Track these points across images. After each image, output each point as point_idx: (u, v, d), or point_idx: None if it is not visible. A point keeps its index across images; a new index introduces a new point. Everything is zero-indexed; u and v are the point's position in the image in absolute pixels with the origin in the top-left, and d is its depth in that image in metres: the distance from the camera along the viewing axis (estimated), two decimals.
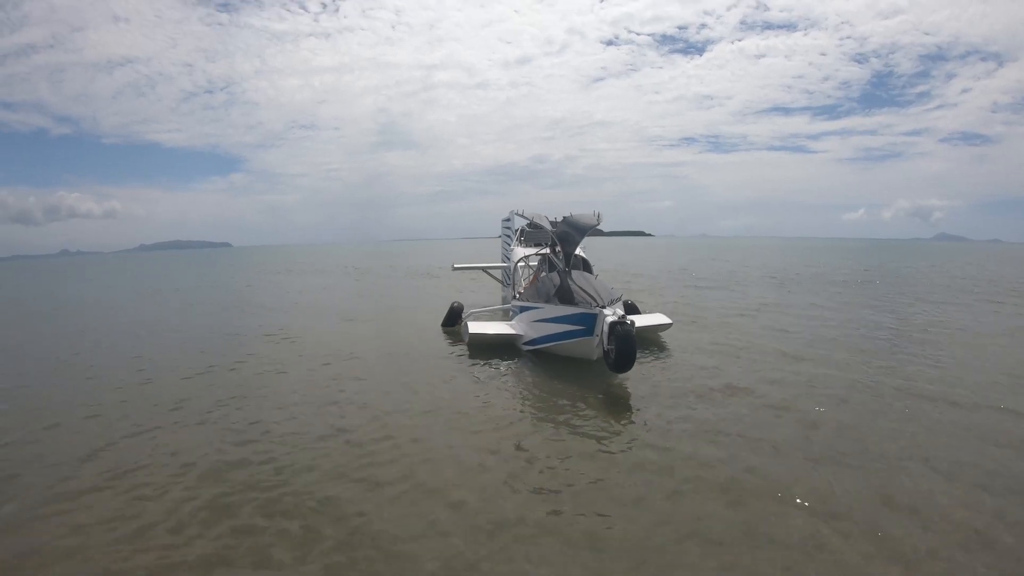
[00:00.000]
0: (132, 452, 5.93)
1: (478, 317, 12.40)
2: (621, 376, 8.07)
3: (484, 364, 9.53)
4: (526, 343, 10.05)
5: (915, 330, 12.19)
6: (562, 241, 10.40)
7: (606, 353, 7.90)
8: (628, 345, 7.67)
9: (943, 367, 8.85)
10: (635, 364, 7.88)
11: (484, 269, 16.57)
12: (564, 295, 9.23)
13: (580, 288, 9.22)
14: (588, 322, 8.43)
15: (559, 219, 11.52)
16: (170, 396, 7.91)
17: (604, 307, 8.38)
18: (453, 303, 13.35)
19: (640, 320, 10.54)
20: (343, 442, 6.08)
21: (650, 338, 10.75)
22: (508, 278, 14.38)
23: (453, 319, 12.78)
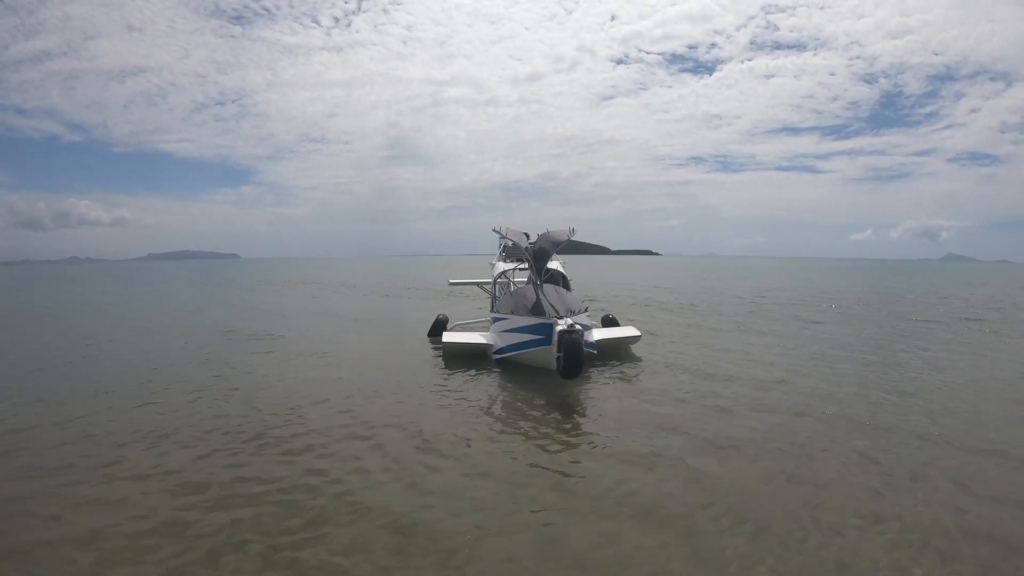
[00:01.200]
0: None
1: (462, 328, 12.83)
2: (570, 383, 8.55)
3: (451, 370, 10.09)
4: (495, 352, 10.44)
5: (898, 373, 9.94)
6: (536, 256, 10.77)
7: (557, 360, 8.31)
8: (573, 352, 8.09)
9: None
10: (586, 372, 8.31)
11: (478, 284, 16.77)
12: (535, 307, 9.65)
13: (548, 301, 9.65)
14: (547, 332, 8.84)
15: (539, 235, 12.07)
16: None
17: (561, 318, 8.76)
18: (439, 315, 13.79)
19: (607, 333, 11.00)
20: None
21: (622, 350, 11.11)
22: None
23: (438, 330, 13.12)
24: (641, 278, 42.96)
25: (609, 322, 12.30)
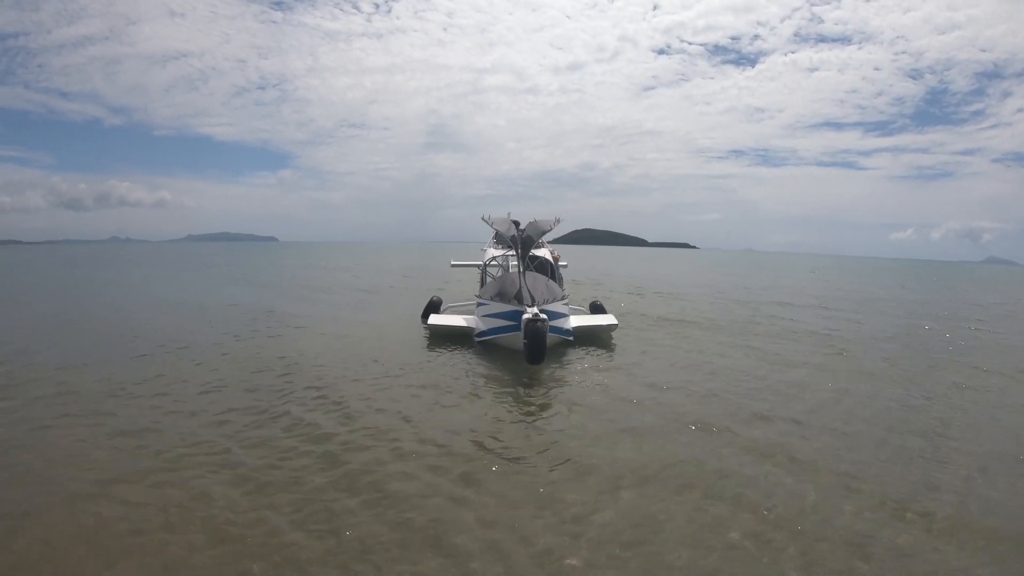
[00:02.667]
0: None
1: (453, 311, 13.21)
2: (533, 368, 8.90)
3: (435, 349, 10.65)
4: (476, 335, 10.89)
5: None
6: (522, 244, 11.09)
7: (524, 346, 8.73)
8: (536, 340, 8.57)
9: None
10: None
11: (478, 267, 16.86)
12: (516, 294, 10.07)
13: (527, 288, 10.02)
14: (518, 318, 9.24)
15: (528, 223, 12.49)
16: None
17: (532, 306, 9.16)
18: (433, 297, 14.02)
19: (585, 320, 11.34)
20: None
21: (599, 337, 11.38)
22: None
23: (431, 312, 13.28)
24: (669, 275, 40.42)
25: (596, 308, 12.59)
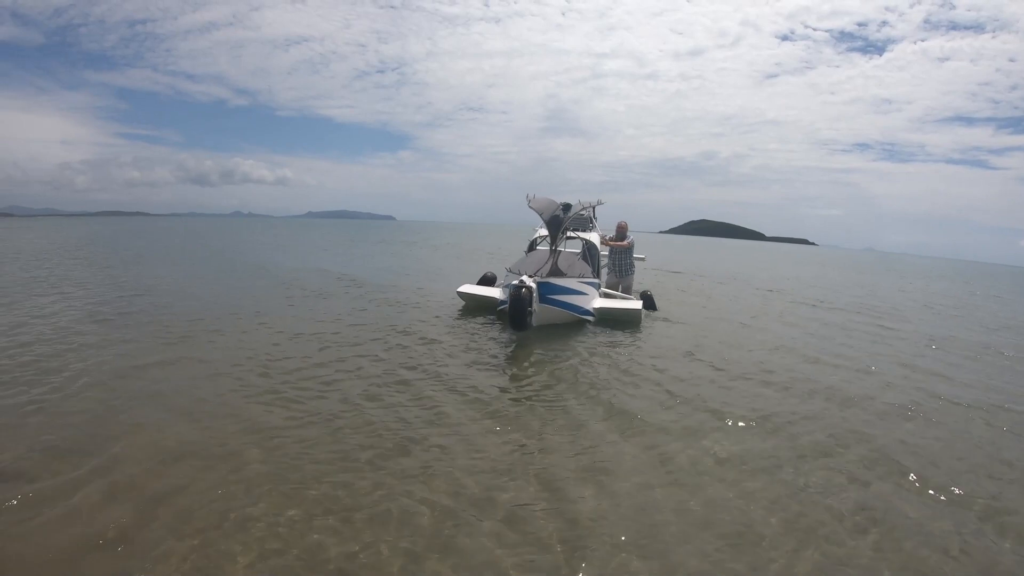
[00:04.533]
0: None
1: (502, 285, 13.32)
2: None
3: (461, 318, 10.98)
4: (498, 305, 11.06)
5: None
6: (549, 224, 11.29)
7: (507, 311, 8.92)
8: (515, 306, 8.66)
9: None
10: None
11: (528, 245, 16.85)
12: (526, 268, 10.44)
13: (545, 263, 10.42)
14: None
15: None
16: None
17: (525, 276, 9.30)
18: (486, 272, 14.22)
19: (607, 303, 11.14)
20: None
21: (624, 321, 10.91)
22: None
23: (483, 284, 13.42)
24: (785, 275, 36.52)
25: (646, 299, 12.44)
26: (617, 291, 12.52)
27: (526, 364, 7.82)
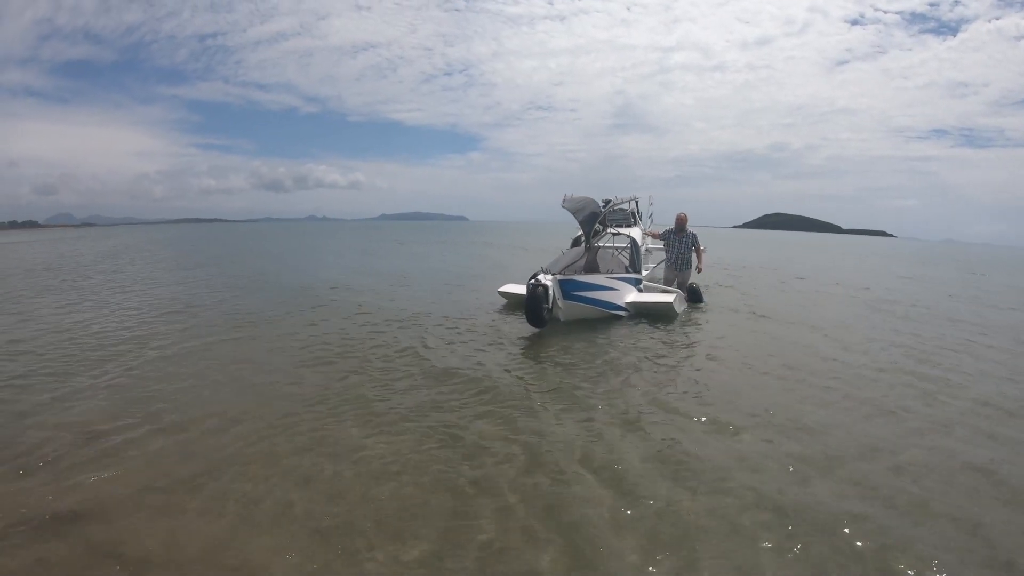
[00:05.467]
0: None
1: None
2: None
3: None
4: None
5: None
6: (583, 223, 11.63)
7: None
8: (531, 304, 8.99)
9: None
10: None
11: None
12: (556, 265, 10.52)
13: (588, 260, 10.85)
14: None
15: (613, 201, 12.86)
16: None
17: (547, 274, 9.55)
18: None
19: (640, 297, 11.24)
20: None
21: (658, 314, 10.92)
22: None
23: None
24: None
25: (692, 292, 12.42)
26: (673, 285, 12.38)
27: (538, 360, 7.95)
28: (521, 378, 6.95)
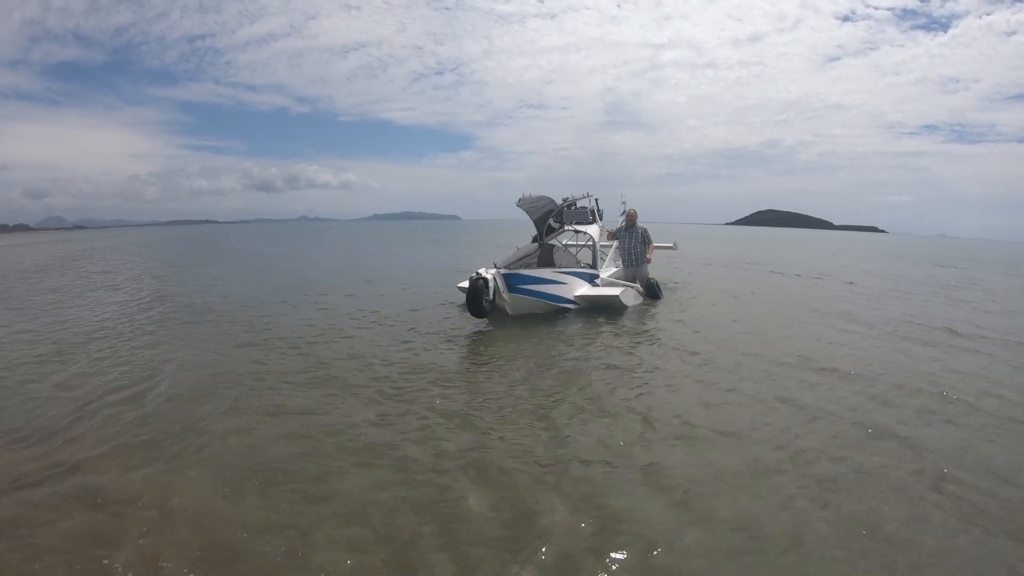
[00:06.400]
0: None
1: None
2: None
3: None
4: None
5: None
6: (536, 221, 12.10)
7: None
8: (470, 296, 9.49)
9: None
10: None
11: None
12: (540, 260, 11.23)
13: (524, 256, 11.31)
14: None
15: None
16: None
17: (494, 268, 10.15)
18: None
19: (588, 291, 11.40)
20: None
21: (611, 307, 11.23)
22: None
23: None
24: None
25: (649, 288, 12.68)
26: (632, 281, 12.59)
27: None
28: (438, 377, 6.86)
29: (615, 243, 13.86)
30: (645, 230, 12.87)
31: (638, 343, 8.79)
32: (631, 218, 12.99)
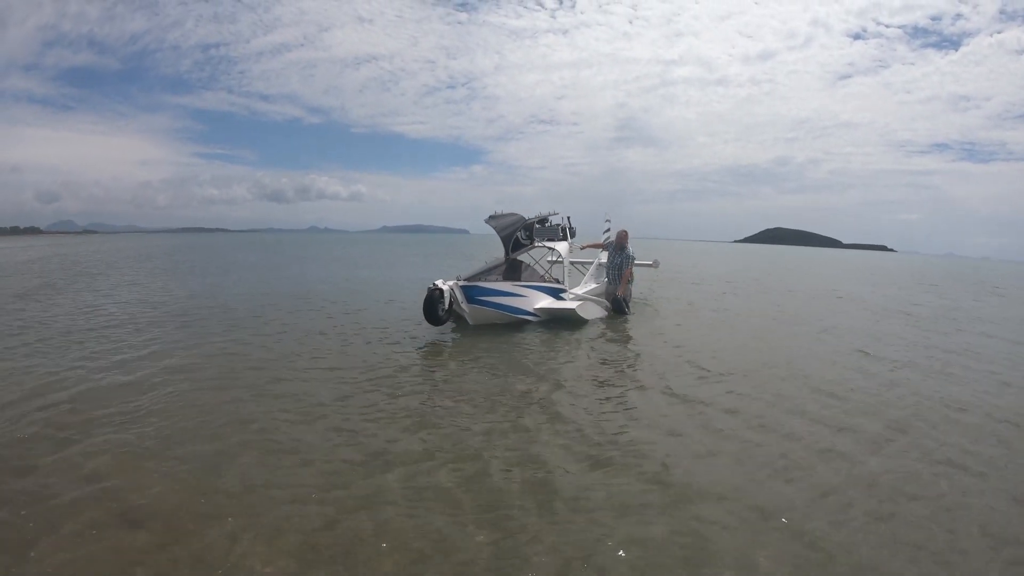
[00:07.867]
0: None
1: None
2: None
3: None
4: None
5: None
6: (503, 238, 12.46)
7: None
8: (425, 304, 10.21)
9: None
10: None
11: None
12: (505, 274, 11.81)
13: (511, 269, 11.98)
14: (463, 292, 10.59)
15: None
16: None
17: (454, 280, 10.68)
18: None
19: (546, 303, 11.66)
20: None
21: (568, 320, 11.59)
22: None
23: None
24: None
25: (615, 302, 13.01)
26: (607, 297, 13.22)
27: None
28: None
29: (599, 260, 14.65)
30: (632, 256, 13.26)
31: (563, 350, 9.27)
32: (621, 239, 13.29)
